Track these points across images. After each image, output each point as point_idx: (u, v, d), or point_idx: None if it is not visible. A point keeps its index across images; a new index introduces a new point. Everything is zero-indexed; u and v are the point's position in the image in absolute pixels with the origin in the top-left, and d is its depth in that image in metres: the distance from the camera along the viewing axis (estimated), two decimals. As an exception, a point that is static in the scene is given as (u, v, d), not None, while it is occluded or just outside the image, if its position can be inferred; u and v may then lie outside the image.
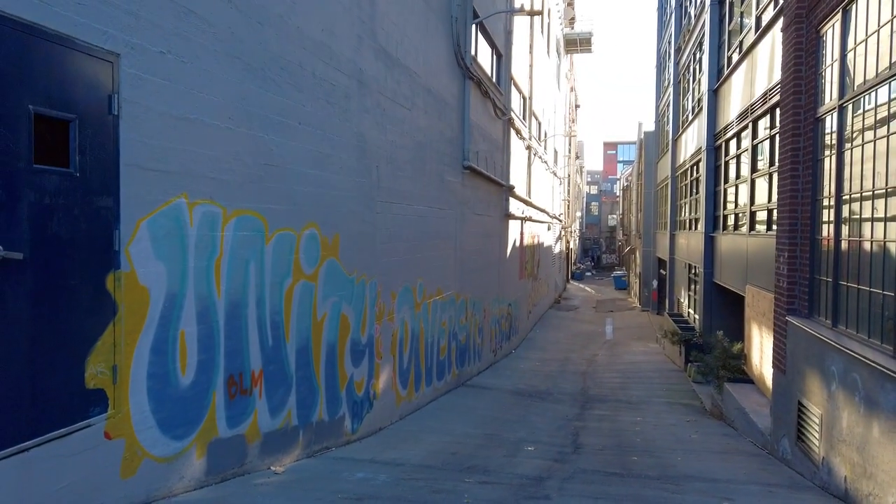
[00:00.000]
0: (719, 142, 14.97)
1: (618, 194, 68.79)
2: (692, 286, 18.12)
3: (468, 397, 11.29)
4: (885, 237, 5.19)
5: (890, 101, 5.23)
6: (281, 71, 5.83)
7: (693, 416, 10.33)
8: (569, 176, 42.45)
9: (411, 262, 9.36)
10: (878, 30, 5.46)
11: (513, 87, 17.97)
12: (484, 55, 14.66)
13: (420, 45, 9.64)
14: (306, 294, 6.31)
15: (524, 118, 20.60)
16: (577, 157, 56.43)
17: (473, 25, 12.63)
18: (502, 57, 16.58)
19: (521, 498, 5.01)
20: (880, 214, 5.34)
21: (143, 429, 4.16)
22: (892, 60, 5.16)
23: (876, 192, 5.41)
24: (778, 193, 7.86)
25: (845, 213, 6.13)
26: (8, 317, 3.32)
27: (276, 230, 5.77)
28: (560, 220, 35.33)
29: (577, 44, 38.58)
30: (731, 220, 13.75)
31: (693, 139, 18.16)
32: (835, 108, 6.36)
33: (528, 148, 21.13)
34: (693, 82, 19.12)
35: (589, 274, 59.48)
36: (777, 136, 9.30)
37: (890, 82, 5.22)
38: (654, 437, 8.57)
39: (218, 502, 4.34)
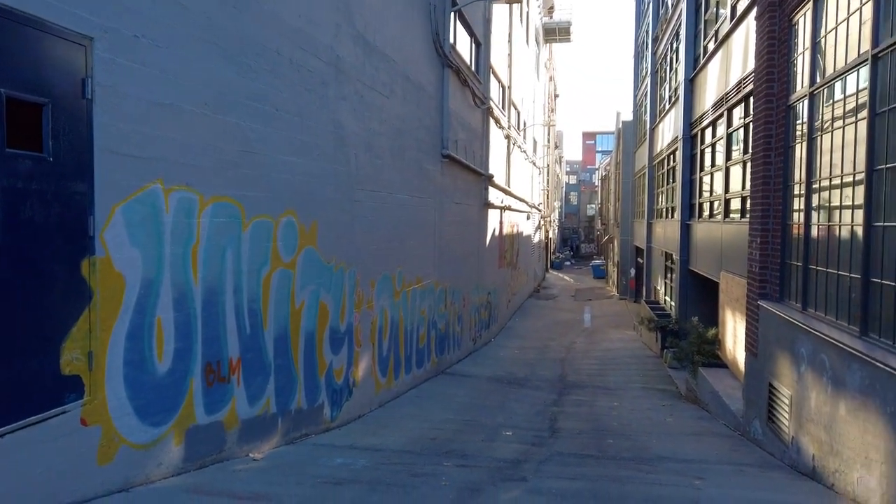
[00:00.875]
0: (695, 131, 15.14)
1: (596, 184, 69.24)
2: (668, 274, 18.36)
3: (447, 385, 11.36)
4: (852, 222, 5.32)
5: (858, 89, 5.35)
6: (258, 57, 5.79)
7: (668, 401, 10.51)
8: (548, 166, 42.63)
9: (390, 250, 9.37)
10: (848, 18, 5.57)
11: (492, 76, 17.96)
12: (463, 43, 14.64)
13: (398, 32, 9.61)
14: (284, 282, 6.31)
15: (503, 107, 20.62)
16: (557, 147, 56.66)
17: (452, 13, 12.61)
18: (481, 45, 16.56)
19: (498, 480, 5.08)
20: (848, 201, 5.47)
21: (120, 415, 4.15)
22: (861, 49, 5.27)
23: (844, 178, 5.54)
24: (751, 181, 8.00)
25: (815, 199, 6.27)
26: (-20, 303, 3.29)
27: (253, 217, 5.75)
28: (539, 210, 35.50)
29: (556, 33, 38.62)
30: (706, 208, 13.94)
31: (670, 128, 18.34)
32: (806, 96, 6.48)
33: (508, 137, 21.17)
34: (670, 72, 19.28)
35: (568, 263, 59.90)
36: (751, 124, 9.45)
37: (858, 70, 5.34)
38: (629, 420, 8.72)
39: (196, 488, 4.35)
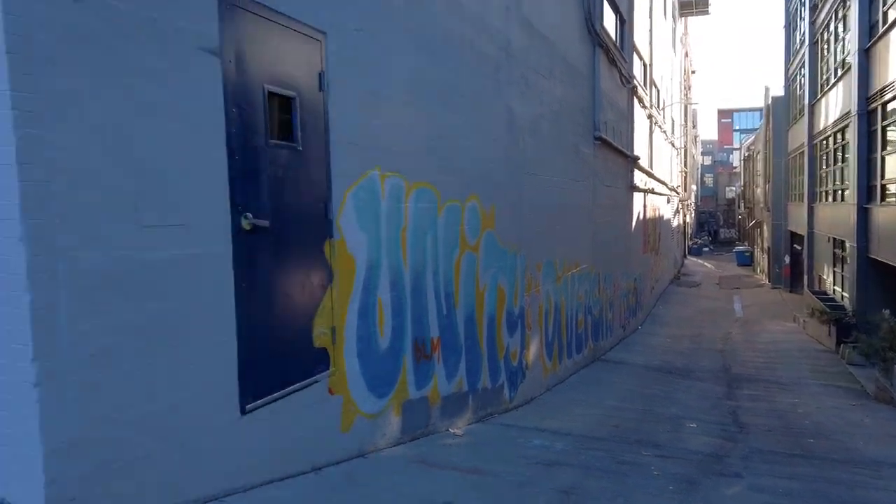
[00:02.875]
0: (874, 105, 13.75)
1: (735, 165, 65.04)
2: (838, 262, 16.90)
3: (604, 371, 11.17)
4: None
5: None
6: (444, 45, 5.90)
7: (857, 400, 9.67)
8: (685, 146, 40.57)
9: (552, 234, 9.30)
10: None
11: (634, 54, 17.29)
12: (608, 21, 14.16)
13: (556, 12, 9.47)
14: (470, 265, 6.43)
15: (645, 86, 19.80)
16: (693, 127, 53.82)
17: (602, -11, 12.24)
18: (625, 22, 15.96)
19: (710, 474, 4.90)
20: None
21: (355, 386, 4.42)
22: None
23: None
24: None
25: None
26: (258, 280, 3.59)
27: (446, 202, 5.89)
28: (678, 193, 33.90)
29: (692, 6, 36.47)
30: (891, 190, 12.63)
31: (837, 103, 16.80)
32: None
33: (650, 117, 20.33)
34: (835, 42, 17.63)
35: (706, 249, 56.73)
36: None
37: None
38: (821, 419, 8.11)
39: (421, 459, 4.55)
